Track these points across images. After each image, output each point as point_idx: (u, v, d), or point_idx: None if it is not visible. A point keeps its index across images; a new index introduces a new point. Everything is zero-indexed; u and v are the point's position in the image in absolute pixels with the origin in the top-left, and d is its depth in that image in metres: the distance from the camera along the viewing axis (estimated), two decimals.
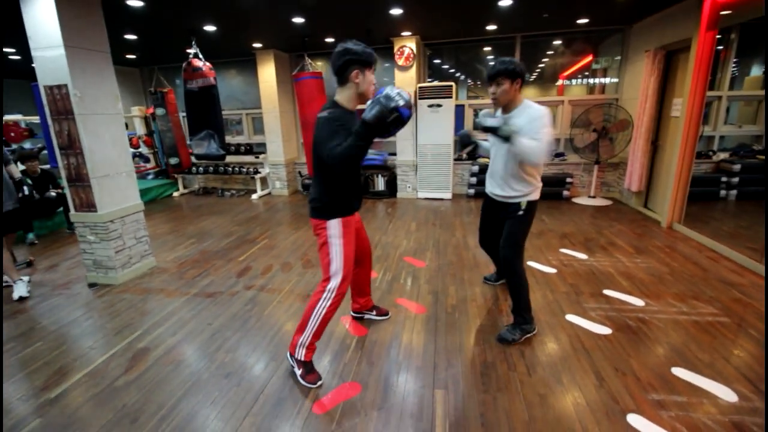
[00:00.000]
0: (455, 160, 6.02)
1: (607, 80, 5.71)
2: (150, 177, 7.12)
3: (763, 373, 1.92)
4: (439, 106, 5.61)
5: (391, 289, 3.00)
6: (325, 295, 1.91)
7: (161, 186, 6.77)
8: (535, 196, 2.19)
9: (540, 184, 2.19)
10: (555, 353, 2.13)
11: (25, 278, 3.20)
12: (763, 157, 5.09)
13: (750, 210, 4.67)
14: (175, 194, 6.93)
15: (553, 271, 3.19)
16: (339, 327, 2.49)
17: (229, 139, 7.15)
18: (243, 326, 2.55)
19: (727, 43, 5.18)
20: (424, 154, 5.87)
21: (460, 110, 6.06)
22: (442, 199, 5.92)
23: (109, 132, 3.21)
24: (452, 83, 5.52)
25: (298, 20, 4.30)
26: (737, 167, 5.00)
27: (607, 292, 2.79)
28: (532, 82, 6.22)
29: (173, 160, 6.19)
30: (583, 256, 3.48)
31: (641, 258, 3.38)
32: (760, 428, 1.59)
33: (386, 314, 2.59)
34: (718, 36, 3.63)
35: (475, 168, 5.90)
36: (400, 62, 5.56)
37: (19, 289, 3.11)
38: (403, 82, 5.65)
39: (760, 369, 1.95)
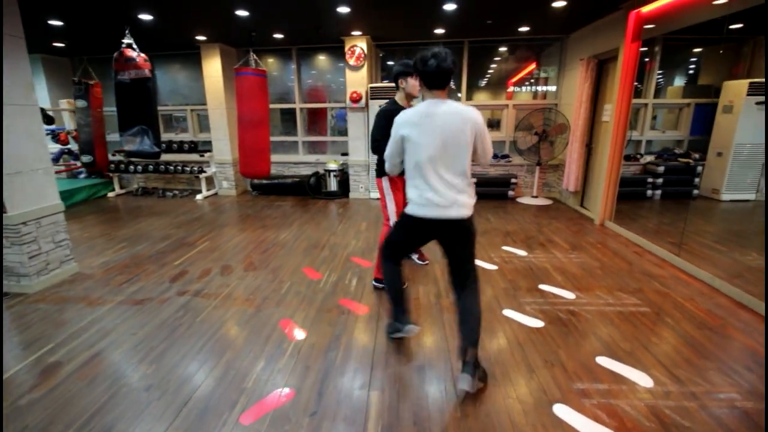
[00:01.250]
0: None
1: (549, 88, 6.01)
2: (82, 176, 6.56)
3: (677, 358, 2.07)
4: None
5: (335, 290, 2.94)
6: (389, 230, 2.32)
7: (94, 186, 6.24)
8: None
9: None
10: (491, 348, 2.18)
11: None
12: (686, 160, 5.59)
13: (672, 208, 5.11)
14: (110, 195, 6.42)
15: (495, 267, 3.29)
16: (276, 331, 2.39)
17: (172, 136, 6.75)
18: (171, 335, 2.38)
19: (652, 56, 5.64)
20: None
21: None
22: None
23: (22, 124, 2.89)
24: None
25: (242, 13, 4.14)
26: (661, 169, 5.44)
27: (542, 286, 2.90)
28: (482, 87, 6.42)
29: (85, 158, 5.75)
30: (523, 253, 3.62)
31: (575, 254, 3.57)
32: (672, 411, 1.71)
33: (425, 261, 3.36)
34: (643, 48, 3.93)
35: None
36: (351, 62, 5.52)
37: None
38: (354, 81, 5.62)
39: (675, 355, 2.10)
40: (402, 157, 1.91)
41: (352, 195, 6.14)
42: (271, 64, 6.40)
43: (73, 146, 6.28)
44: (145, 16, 4.20)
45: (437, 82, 1.78)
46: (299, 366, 2.06)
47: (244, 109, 4.93)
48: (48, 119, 5.78)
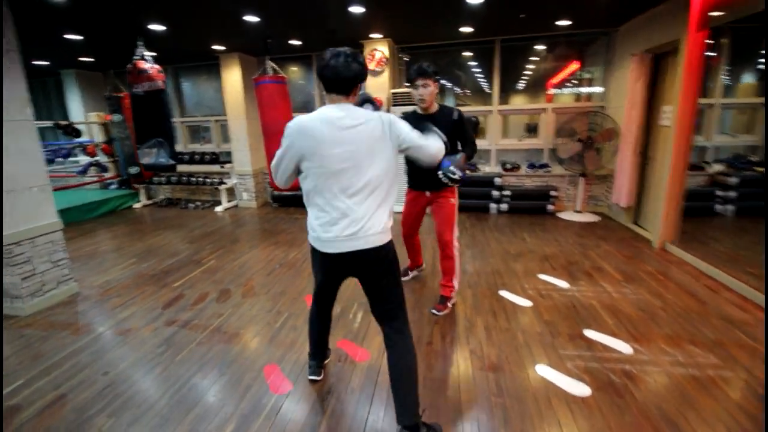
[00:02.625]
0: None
1: (594, 89, 5.35)
2: (113, 187, 6.66)
3: None
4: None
5: (335, 327, 2.52)
6: None
7: (121, 197, 6.30)
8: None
9: None
10: (516, 421, 1.69)
11: None
12: (762, 169, 4.73)
13: (749, 228, 4.28)
14: (136, 206, 6.45)
15: (529, 303, 2.76)
16: (258, 380, 2.03)
17: (197, 147, 6.72)
18: (144, 377, 2.09)
19: (719, 50, 4.85)
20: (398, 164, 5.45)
21: None
22: None
23: (15, 141, 2.75)
24: None
25: (252, 19, 3.90)
26: (734, 180, 4.62)
27: (588, 333, 2.35)
28: (520, 91, 5.85)
29: (133, 170, 5.75)
30: (564, 284, 3.05)
31: (630, 287, 2.95)
32: None
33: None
34: (710, 41, 3.27)
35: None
36: (371, 66, 5.18)
37: None
38: (374, 87, 5.26)
39: None
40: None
41: None
42: (293, 72, 6.20)
43: (102, 158, 6.38)
44: (157, 27, 4.08)
45: (336, 86, 1.50)
46: None
47: (266, 118, 4.71)
48: (75, 132, 5.89)
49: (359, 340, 2.38)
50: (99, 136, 6.40)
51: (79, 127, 6.28)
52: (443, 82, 6.12)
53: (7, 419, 1.84)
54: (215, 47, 5.20)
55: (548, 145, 5.31)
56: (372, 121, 1.49)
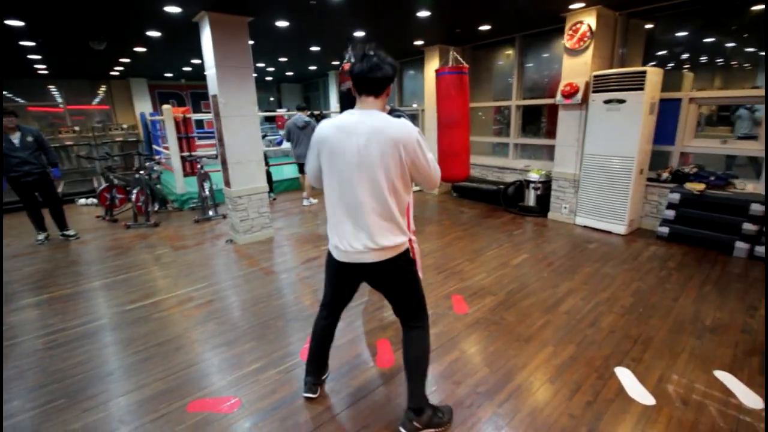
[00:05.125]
0: (650, 180, 4.22)
1: None
2: None
3: None
4: (621, 101, 4.00)
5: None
6: None
7: None
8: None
9: None
10: None
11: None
12: None
13: None
14: None
15: (650, 401, 1.89)
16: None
17: None
18: (273, 300, 2.91)
19: None
20: (591, 166, 4.39)
21: (669, 107, 4.11)
22: (609, 233, 4.30)
23: (245, 130, 4.15)
24: (644, 69, 3.79)
25: (423, 14, 4.05)
26: None
27: None
28: None
29: None
30: (751, 399, 1.85)
31: None
32: None
33: None
34: None
35: (675, 196, 3.92)
36: (569, 44, 4.27)
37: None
38: (572, 70, 4.34)
39: None
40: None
41: (551, 215, 4.92)
42: (490, 60, 5.89)
43: None
44: (359, 33, 4.87)
45: (365, 86, 1.51)
46: None
47: (440, 109, 4.89)
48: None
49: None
50: None
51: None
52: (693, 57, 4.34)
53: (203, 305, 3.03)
54: (416, 42, 5.63)
55: None
56: (386, 132, 1.43)
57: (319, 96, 11.11)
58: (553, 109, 4.99)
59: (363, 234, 1.51)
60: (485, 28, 4.83)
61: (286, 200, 6.40)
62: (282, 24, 4.33)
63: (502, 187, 5.50)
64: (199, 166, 5.50)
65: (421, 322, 1.72)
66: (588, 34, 4.12)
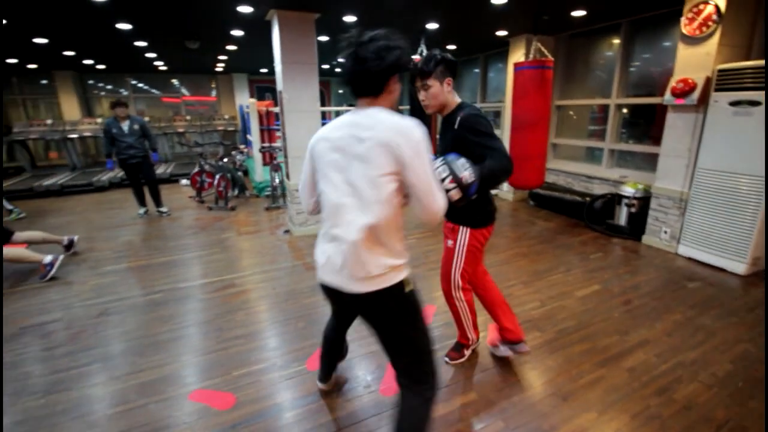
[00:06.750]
0: None
1: None
2: None
3: None
4: (755, 104, 3.08)
5: None
6: None
7: None
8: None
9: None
10: None
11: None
12: None
13: None
14: None
15: None
16: None
17: None
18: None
19: None
20: (706, 184, 3.50)
21: None
22: (722, 270, 3.40)
23: (305, 124, 4.21)
24: None
25: (499, 2, 3.61)
26: None
27: None
28: None
29: None
30: None
31: None
32: None
33: None
34: None
35: None
36: (686, 30, 3.41)
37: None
38: (688, 63, 3.48)
39: None
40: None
41: (646, 239, 4.07)
42: (593, 48, 5.06)
43: None
44: (432, 26, 4.58)
45: (355, 85, 1.28)
46: None
47: (515, 108, 4.40)
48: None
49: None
50: None
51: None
52: None
53: (235, 292, 3.21)
54: (499, 33, 5.11)
55: None
56: (375, 131, 1.20)
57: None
58: (662, 111, 4.09)
59: (343, 257, 1.26)
60: (579, 13, 4.13)
61: None
62: (349, 19, 4.26)
63: (588, 199, 4.75)
64: (274, 156, 5.82)
65: (422, 387, 1.34)
66: (714, 16, 3.23)
